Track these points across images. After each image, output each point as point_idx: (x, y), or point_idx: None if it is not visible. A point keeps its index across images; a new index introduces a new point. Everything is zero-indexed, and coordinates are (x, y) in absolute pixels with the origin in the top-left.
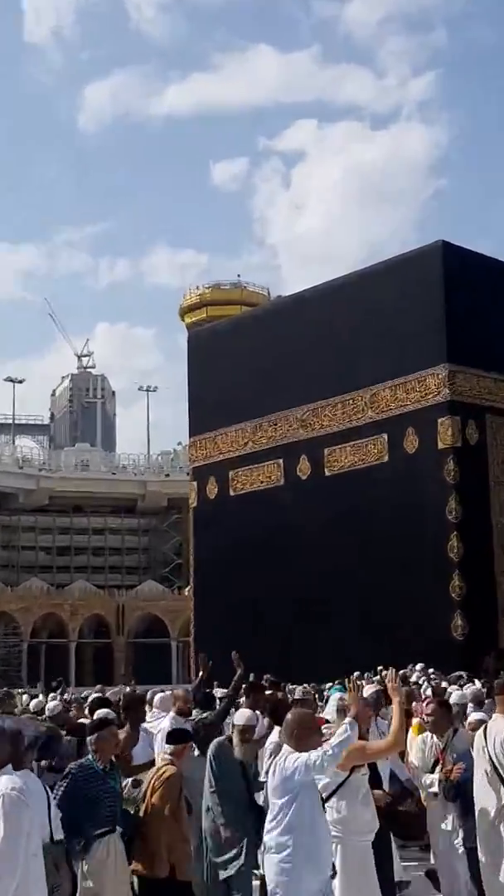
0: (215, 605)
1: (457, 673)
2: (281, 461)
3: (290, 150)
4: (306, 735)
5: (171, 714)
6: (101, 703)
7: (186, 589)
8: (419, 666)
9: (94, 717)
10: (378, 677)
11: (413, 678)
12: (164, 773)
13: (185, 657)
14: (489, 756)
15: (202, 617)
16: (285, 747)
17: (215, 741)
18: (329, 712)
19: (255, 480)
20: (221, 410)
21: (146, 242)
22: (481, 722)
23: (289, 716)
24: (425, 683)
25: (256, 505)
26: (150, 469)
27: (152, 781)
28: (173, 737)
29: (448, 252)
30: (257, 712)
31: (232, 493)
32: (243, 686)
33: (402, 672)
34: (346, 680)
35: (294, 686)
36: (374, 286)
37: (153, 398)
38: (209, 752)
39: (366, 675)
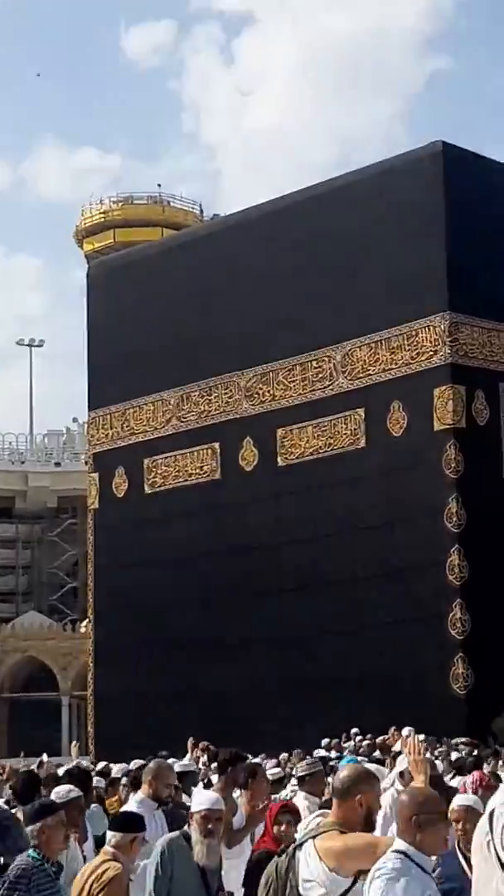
0: (124, 647)
1: (456, 740)
2: (217, 446)
3: (234, 11)
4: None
5: (139, 795)
6: (33, 778)
7: (83, 623)
8: (406, 731)
9: (41, 796)
10: (350, 744)
11: (396, 747)
12: (104, 871)
13: (82, 719)
14: (496, 852)
15: (106, 663)
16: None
17: (165, 836)
18: (386, 799)
19: (182, 472)
20: (134, 375)
21: (29, 138)
22: (469, 810)
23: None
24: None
25: (182, 507)
26: (34, 456)
27: (88, 881)
28: (118, 823)
29: (450, 157)
30: (238, 794)
31: (148, 491)
32: (215, 760)
33: (383, 739)
34: (343, 738)
35: (263, 759)
36: (348, 204)
37: (37, 356)
38: (154, 852)
39: (349, 738)
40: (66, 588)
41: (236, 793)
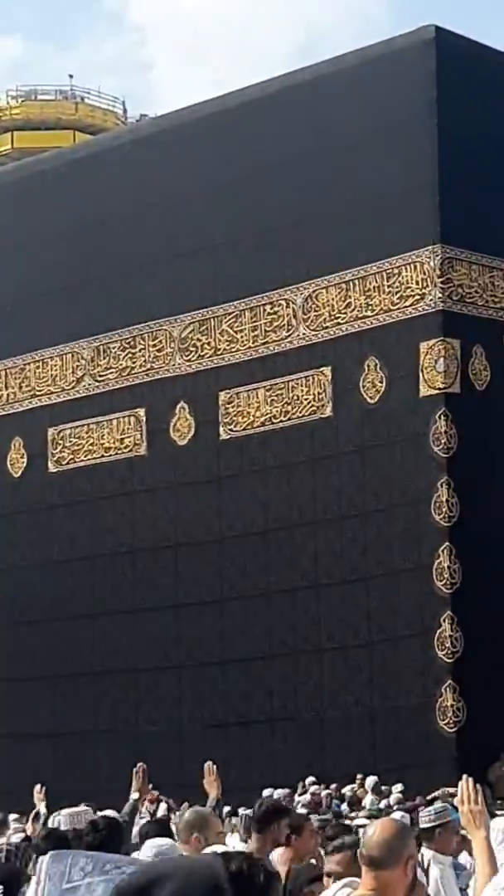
0: (19, 670)
1: (439, 791)
2: (142, 413)
3: None
4: None
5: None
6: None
7: None
8: (369, 781)
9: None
10: (305, 797)
11: (366, 801)
12: None
13: None
14: None
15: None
16: None
17: None
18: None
19: (97, 446)
20: (36, 320)
21: None
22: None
23: None
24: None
25: (96, 490)
26: None
27: None
28: None
29: (444, 45)
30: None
31: (53, 469)
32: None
33: (349, 788)
34: (299, 788)
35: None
36: (312, 104)
37: None
38: None
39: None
40: None
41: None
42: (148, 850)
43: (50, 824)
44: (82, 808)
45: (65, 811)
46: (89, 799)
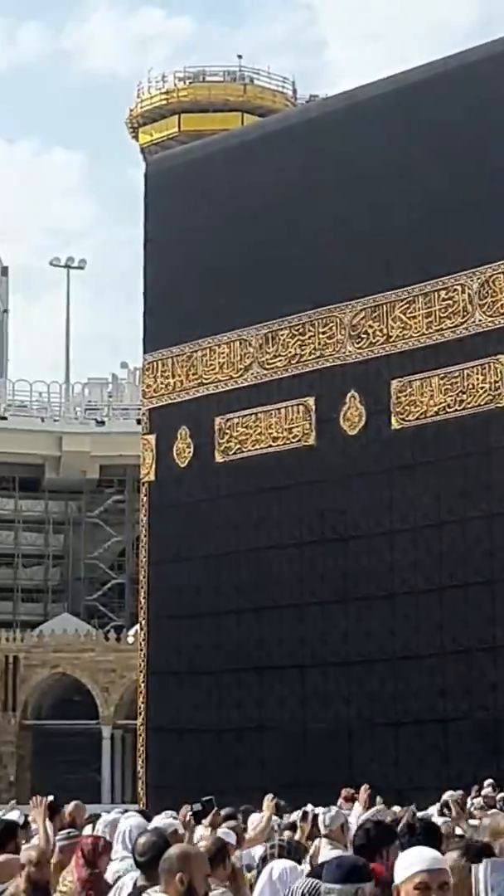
0: (187, 664)
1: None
2: (311, 402)
3: None
4: None
5: None
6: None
7: (132, 632)
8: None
9: None
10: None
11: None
12: None
13: (130, 754)
14: None
15: (163, 684)
16: None
17: None
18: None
19: (264, 435)
20: (204, 307)
21: None
22: None
23: None
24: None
25: (265, 481)
26: (70, 412)
27: None
28: None
29: None
30: None
31: (220, 459)
32: None
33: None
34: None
35: (320, 809)
36: (493, 81)
37: (77, 282)
38: None
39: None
40: (110, 585)
41: None
42: None
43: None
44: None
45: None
46: (246, 795)
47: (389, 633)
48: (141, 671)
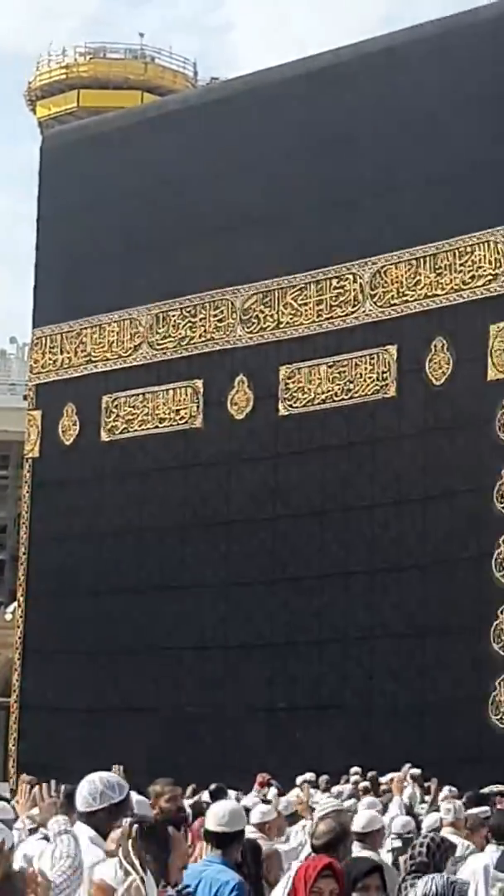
0: (64, 641)
1: (490, 788)
2: (199, 384)
3: None
4: None
5: None
6: None
7: (9, 609)
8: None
9: None
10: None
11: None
12: None
13: (1, 732)
14: None
15: (38, 662)
16: None
17: None
18: None
19: (151, 416)
20: (95, 284)
21: None
22: None
23: None
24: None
25: (150, 462)
26: None
27: None
28: None
29: None
30: None
31: (106, 438)
32: None
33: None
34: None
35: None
36: (394, 72)
37: None
38: None
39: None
40: None
41: None
42: None
43: None
44: None
45: None
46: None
47: (269, 618)
48: (17, 648)
